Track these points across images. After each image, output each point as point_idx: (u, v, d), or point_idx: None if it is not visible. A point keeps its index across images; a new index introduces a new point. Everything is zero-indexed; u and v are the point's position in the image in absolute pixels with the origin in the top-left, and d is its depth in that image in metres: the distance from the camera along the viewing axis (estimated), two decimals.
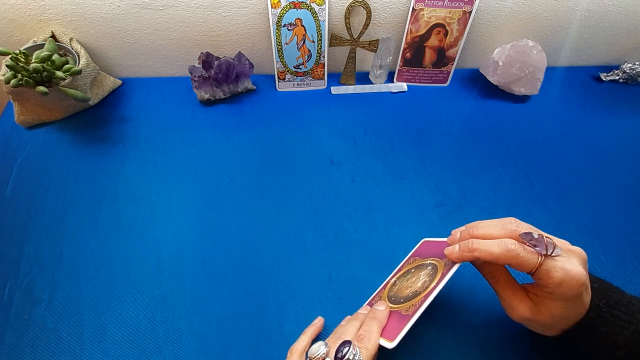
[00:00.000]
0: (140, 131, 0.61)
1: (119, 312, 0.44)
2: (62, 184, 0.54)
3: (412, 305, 0.36)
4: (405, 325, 0.34)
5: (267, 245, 0.49)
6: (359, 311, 0.41)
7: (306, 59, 0.64)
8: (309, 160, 0.58)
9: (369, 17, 0.61)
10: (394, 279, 0.44)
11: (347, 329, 0.37)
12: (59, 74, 0.53)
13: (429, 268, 0.39)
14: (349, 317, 0.41)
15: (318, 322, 0.42)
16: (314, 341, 0.38)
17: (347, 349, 0.32)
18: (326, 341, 0.35)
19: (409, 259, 0.46)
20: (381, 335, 0.35)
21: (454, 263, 0.36)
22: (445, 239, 0.43)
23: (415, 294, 0.37)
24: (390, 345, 0.34)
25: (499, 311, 0.44)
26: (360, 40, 0.64)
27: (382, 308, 0.38)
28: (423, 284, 0.37)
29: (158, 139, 0.60)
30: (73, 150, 0.58)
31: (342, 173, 0.57)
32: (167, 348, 0.41)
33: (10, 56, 0.52)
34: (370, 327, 0.36)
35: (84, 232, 0.50)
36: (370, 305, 0.43)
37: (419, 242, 0.47)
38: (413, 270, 0.42)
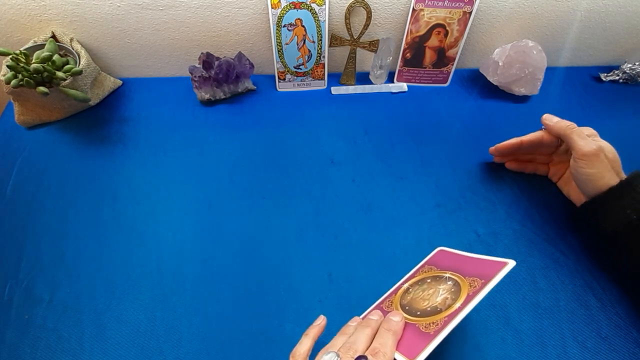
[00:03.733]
0: (140, 131, 0.61)
1: (119, 311, 0.44)
2: (62, 184, 0.54)
3: (433, 323, 0.34)
4: (427, 345, 0.32)
5: (267, 245, 0.49)
6: (369, 316, 0.38)
7: (306, 59, 0.64)
8: (309, 160, 0.58)
9: (369, 17, 0.61)
10: (406, 285, 0.42)
11: (358, 337, 0.34)
12: (59, 74, 0.53)
13: (449, 283, 0.37)
14: (357, 317, 0.40)
15: (320, 322, 0.39)
16: (317, 344, 0.36)
17: None
18: (337, 351, 0.33)
19: (423, 265, 0.44)
20: (397, 349, 0.33)
21: (484, 284, 0.34)
22: (463, 253, 0.41)
23: (435, 310, 0.35)
24: None
25: (498, 310, 0.44)
26: (360, 40, 0.64)
27: (397, 319, 0.36)
28: (444, 300, 0.35)
29: (158, 139, 0.60)
30: (73, 150, 0.59)
31: (342, 173, 0.57)
32: (167, 348, 0.42)
33: (10, 56, 0.52)
34: (385, 339, 0.34)
35: (84, 232, 0.50)
36: (380, 308, 0.41)
37: (418, 242, 0.47)
38: (429, 281, 0.40)
